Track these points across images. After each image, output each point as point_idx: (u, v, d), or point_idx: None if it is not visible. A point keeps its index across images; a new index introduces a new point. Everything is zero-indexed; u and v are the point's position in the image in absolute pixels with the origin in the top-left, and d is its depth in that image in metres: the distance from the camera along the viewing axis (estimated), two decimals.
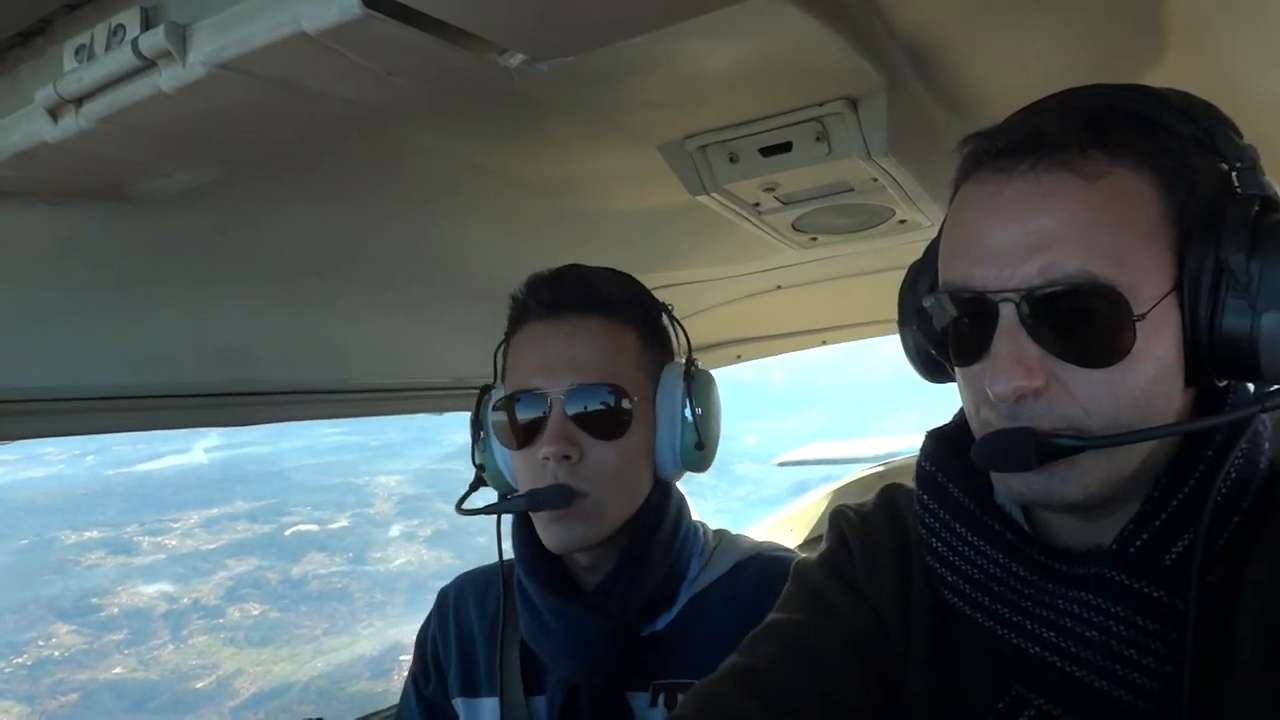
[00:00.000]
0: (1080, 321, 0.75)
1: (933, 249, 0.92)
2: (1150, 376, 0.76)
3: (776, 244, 1.76)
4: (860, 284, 2.19)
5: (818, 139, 1.30)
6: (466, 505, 1.30)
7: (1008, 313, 0.77)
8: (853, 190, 1.46)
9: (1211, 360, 0.77)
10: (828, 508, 3.52)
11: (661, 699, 1.23)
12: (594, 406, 1.21)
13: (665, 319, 1.34)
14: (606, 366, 1.22)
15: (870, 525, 1.02)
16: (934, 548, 0.91)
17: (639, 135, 1.35)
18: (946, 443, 0.95)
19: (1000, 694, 0.85)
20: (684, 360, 1.31)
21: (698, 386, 1.28)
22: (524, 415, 1.23)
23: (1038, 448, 0.75)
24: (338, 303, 1.69)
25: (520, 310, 1.28)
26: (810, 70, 1.16)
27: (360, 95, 0.95)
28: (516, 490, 1.29)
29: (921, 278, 0.94)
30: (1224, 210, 0.76)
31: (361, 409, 1.82)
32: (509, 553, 1.34)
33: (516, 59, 0.95)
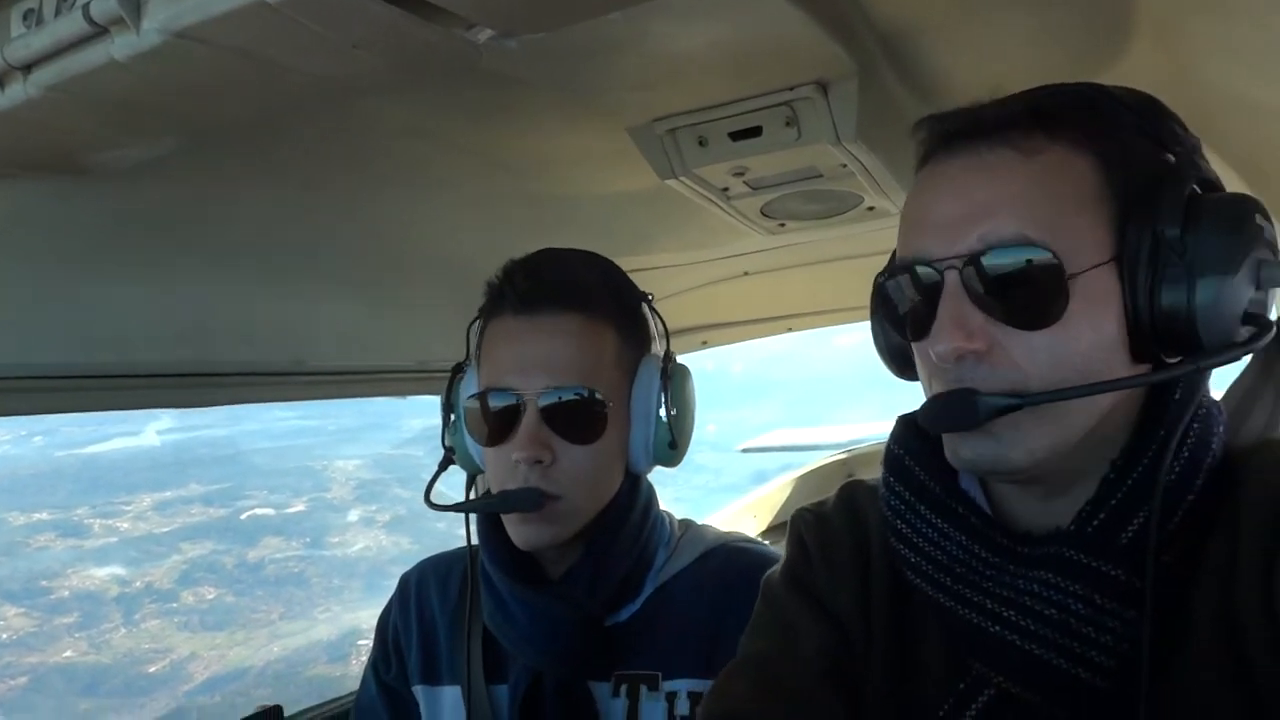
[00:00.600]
0: (1016, 282, 0.79)
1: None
2: (1090, 342, 0.79)
3: (745, 229, 1.75)
4: (828, 271, 2.20)
5: (787, 123, 1.29)
6: (435, 487, 1.28)
7: (951, 279, 0.81)
8: (821, 176, 1.46)
9: (1154, 333, 0.79)
10: (790, 495, 3.54)
11: (623, 690, 1.23)
12: (568, 410, 1.18)
13: (645, 309, 1.31)
14: (583, 368, 1.19)
15: (828, 527, 1.03)
16: (898, 529, 0.92)
17: (608, 117, 1.33)
18: (915, 428, 0.97)
19: (961, 674, 0.86)
20: (661, 354, 1.29)
21: (674, 384, 1.26)
22: (496, 414, 1.20)
23: (979, 406, 0.77)
24: (299, 283, 1.66)
25: (496, 299, 1.24)
26: (782, 54, 1.15)
27: (322, 68, 0.93)
28: (484, 472, 1.28)
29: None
30: (1161, 188, 0.80)
31: (323, 391, 1.78)
32: (474, 537, 1.31)
33: (484, 34, 0.93)
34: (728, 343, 2.71)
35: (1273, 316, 0.81)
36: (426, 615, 1.38)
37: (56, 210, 1.25)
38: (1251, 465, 0.81)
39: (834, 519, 1.03)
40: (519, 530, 1.20)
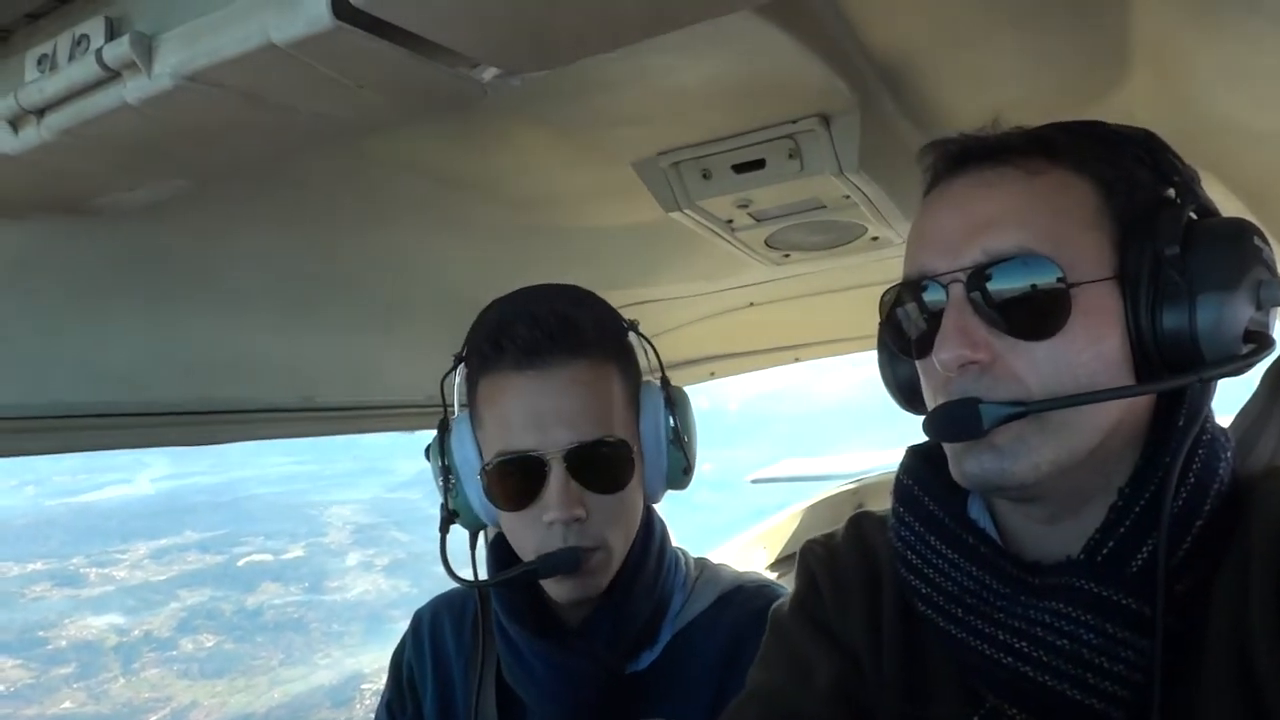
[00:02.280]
0: (1018, 293, 0.81)
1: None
2: (1091, 356, 0.80)
3: (749, 261, 1.75)
4: (833, 301, 2.20)
5: (790, 156, 1.30)
6: (447, 546, 1.25)
7: (955, 292, 0.82)
8: (825, 207, 1.47)
9: (1157, 350, 0.80)
10: (800, 525, 3.52)
11: None
12: (595, 462, 1.15)
13: (634, 336, 1.29)
14: (601, 416, 1.16)
15: (837, 560, 1.03)
16: (909, 560, 0.92)
17: (612, 151, 1.34)
18: (925, 458, 0.98)
19: (975, 706, 0.85)
20: (658, 380, 1.27)
21: (679, 410, 1.25)
22: (519, 477, 1.16)
23: (983, 414, 0.78)
24: (305, 319, 1.66)
25: (492, 352, 1.18)
26: (784, 87, 1.16)
27: (330, 109, 0.93)
28: (485, 525, 1.27)
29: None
30: (1161, 211, 0.82)
31: (331, 427, 1.77)
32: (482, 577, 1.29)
33: (490, 73, 0.94)
34: (735, 373, 2.70)
35: (1275, 336, 0.82)
36: (442, 656, 1.36)
37: (67, 251, 1.25)
38: (1260, 493, 0.81)
39: (843, 551, 1.03)
40: (560, 588, 1.18)
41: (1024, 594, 0.83)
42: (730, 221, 1.52)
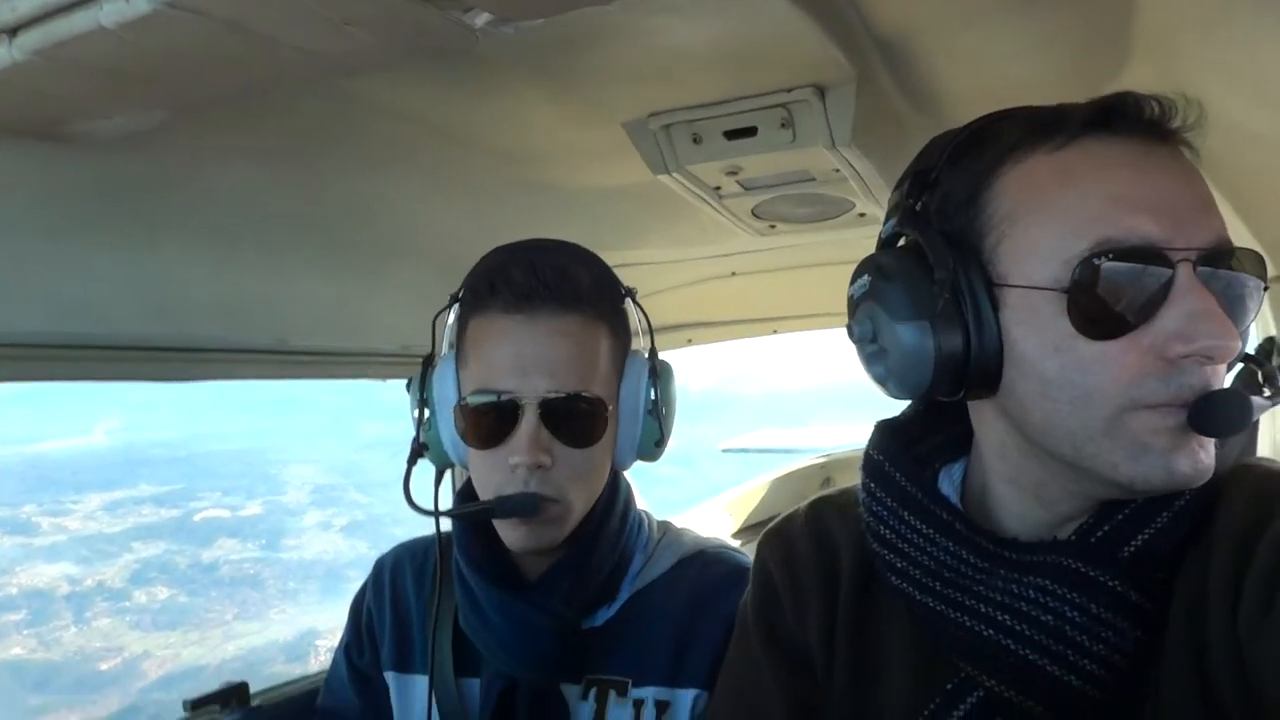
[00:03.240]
0: (1246, 286, 0.77)
1: (936, 242, 0.83)
2: None
3: (734, 229, 1.75)
4: (815, 275, 2.20)
5: (783, 125, 1.29)
6: (412, 481, 1.24)
7: (1187, 271, 0.74)
8: (814, 180, 1.46)
9: None
10: (766, 496, 3.58)
11: (592, 694, 1.22)
12: (568, 413, 1.16)
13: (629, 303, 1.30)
14: (583, 372, 1.17)
15: (794, 553, 1.03)
16: (881, 535, 0.92)
17: (603, 109, 1.32)
18: (894, 433, 0.98)
19: (937, 679, 0.87)
20: (647, 351, 1.28)
21: (662, 381, 1.26)
22: (492, 416, 1.17)
23: (1253, 407, 0.74)
24: (284, 261, 1.63)
25: (485, 293, 1.19)
26: (781, 55, 1.15)
27: (314, 44, 0.90)
28: (453, 463, 1.27)
29: (921, 267, 0.83)
30: None
31: (304, 371, 1.76)
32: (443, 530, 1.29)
33: (482, 18, 0.91)
34: (713, 341, 2.72)
35: None
36: (401, 602, 1.37)
37: (40, 177, 1.22)
38: (1225, 492, 0.82)
39: (800, 542, 1.04)
40: (514, 534, 1.18)
41: (1003, 569, 0.83)
42: (718, 188, 1.51)
